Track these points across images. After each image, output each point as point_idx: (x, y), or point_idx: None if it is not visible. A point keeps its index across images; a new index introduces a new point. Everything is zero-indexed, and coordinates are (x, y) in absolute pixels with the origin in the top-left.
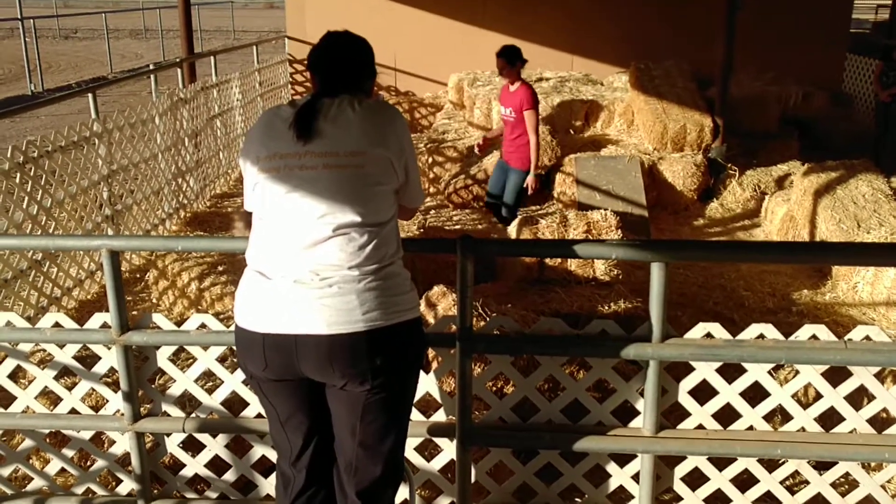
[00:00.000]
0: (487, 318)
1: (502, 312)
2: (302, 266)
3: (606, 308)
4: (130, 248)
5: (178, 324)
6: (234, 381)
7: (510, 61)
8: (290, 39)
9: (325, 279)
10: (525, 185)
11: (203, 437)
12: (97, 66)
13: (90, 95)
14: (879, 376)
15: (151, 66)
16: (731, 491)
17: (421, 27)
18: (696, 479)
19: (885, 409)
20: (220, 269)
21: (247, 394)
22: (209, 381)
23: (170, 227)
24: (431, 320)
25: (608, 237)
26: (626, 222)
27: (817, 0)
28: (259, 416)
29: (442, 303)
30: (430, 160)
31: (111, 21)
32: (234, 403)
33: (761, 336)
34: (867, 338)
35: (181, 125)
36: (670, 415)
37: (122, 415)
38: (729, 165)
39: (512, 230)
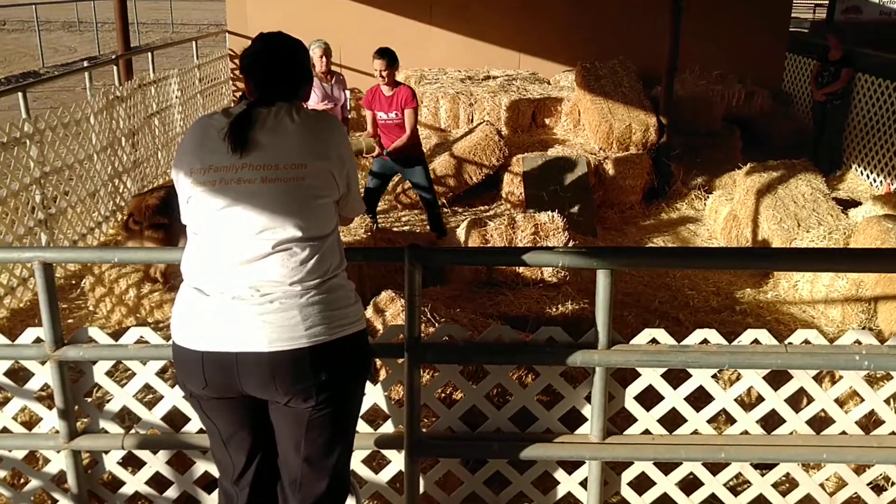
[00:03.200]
0: (436, 324)
1: (452, 317)
2: (241, 282)
3: (554, 310)
4: (64, 259)
5: (116, 336)
6: (174, 396)
7: (392, 63)
8: (230, 34)
9: (266, 295)
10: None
11: (143, 454)
12: (27, 61)
13: (20, 94)
14: (818, 378)
15: (85, 64)
16: (676, 495)
17: (367, 23)
18: (643, 483)
19: (823, 410)
20: None
21: (188, 408)
22: (150, 393)
23: (107, 231)
24: (380, 326)
25: (555, 238)
26: (573, 222)
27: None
28: (201, 430)
29: (390, 308)
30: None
31: (42, 12)
32: (176, 418)
33: (705, 341)
34: (806, 341)
35: (117, 124)
36: (619, 416)
37: (58, 432)
38: (673, 165)
39: (461, 232)
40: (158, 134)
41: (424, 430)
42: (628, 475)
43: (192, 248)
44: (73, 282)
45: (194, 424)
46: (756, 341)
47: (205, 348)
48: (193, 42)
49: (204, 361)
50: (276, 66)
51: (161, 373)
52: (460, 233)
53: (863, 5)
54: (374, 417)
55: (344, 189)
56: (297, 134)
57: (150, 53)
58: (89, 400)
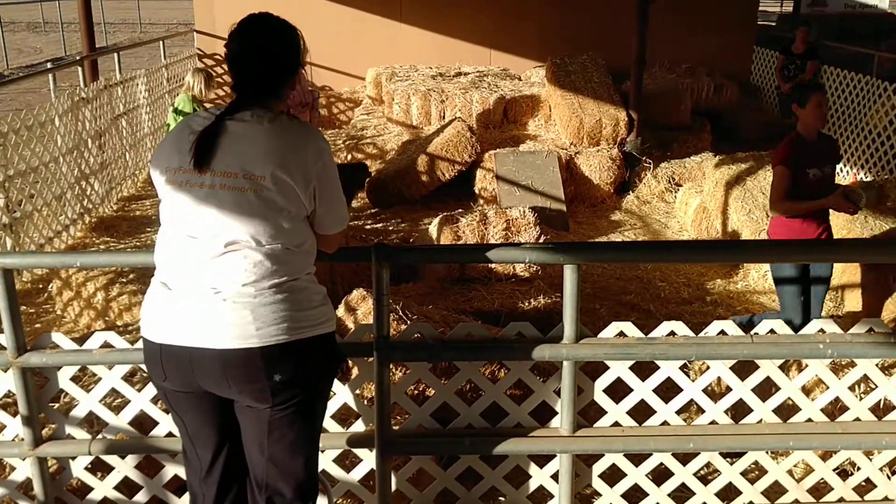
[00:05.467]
0: (408, 321)
1: (424, 314)
2: (200, 280)
3: (527, 304)
4: (24, 265)
5: (81, 341)
6: (142, 400)
7: None
8: (198, 34)
9: (219, 293)
10: None
11: (111, 459)
12: None
13: None
14: (785, 367)
15: (50, 65)
16: (647, 485)
17: (337, 20)
18: (613, 475)
19: (789, 399)
20: (129, 277)
21: (156, 412)
22: (117, 398)
23: (74, 234)
24: (351, 325)
25: (527, 233)
26: (545, 217)
27: None
28: (170, 434)
29: (361, 307)
30: (349, 157)
31: (6, 13)
32: (145, 422)
33: (672, 333)
34: (772, 331)
35: (83, 126)
36: (592, 409)
37: (23, 440)
38: (644, 158)
39: (433, 229)
40: (126, 135)
41: (396, 427)
42: (599, 467)
43: (162, 243)
44: (41, 286)
45: (163, 428)
46: (723, 332)
47: (163, 341)
48: (161, 42)
49: (162, 353)
50: (251, 67)
51: (130, 376)
52: (432, 230)
53: None
54: (347, 416)
55: (312, 205)
56: (264, 144)
57: (116, 54)
58: (56, 406)
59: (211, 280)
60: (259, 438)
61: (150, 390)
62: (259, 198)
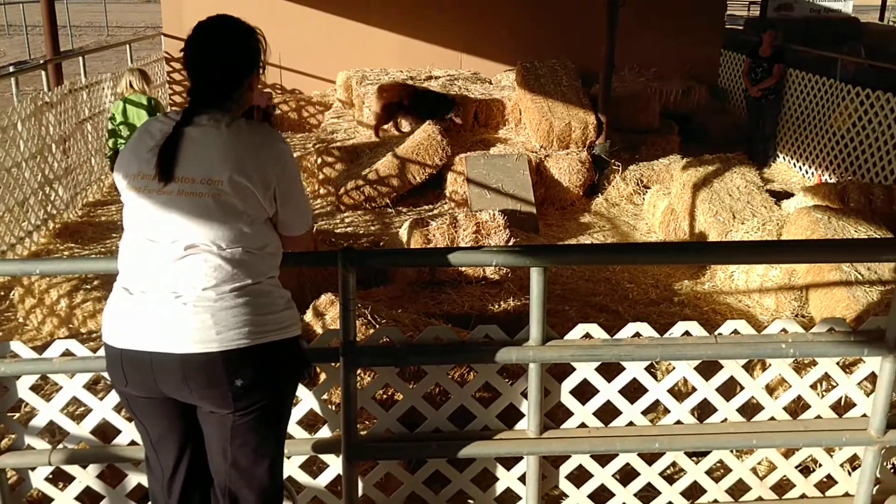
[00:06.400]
0: (377, 325)
1: (393, 318)
2: (159, 285)
3: (497, 307)
4: None
5: (42, 349)
6: (104, 408)
7: None
8: (166, 37)
9: (179, 297)
10: None
11: (72, 469)
12: None
13: None
14: (750, 366)
15: (12, 69)
16: (613, 486)
17: (306, 23)
18: (580, 476)
19: (753, 398)
20: (93, 284)
21: (119, 420)
22: (79, 406)
23: (38, 240)
24: (319, 330)
25: (497, 236)
26: (516, 219)
27: None
28: (133, 442)
29: (330, 312)
30: (320, 161)
31: None
32: (107, 430)
33: (637, 334)
34: (735, 331)
35: (47, 130)
36: (560, 410)
37: None
38: (612, 161)
39: (403, 233)
40: (92, 140)
41: (363, 432)
42: (566, 468)
43: (123, 248)
44: (2, 293)
45: (126, 436)
46: (687, 333)
47: (123, 346)
48: (128, 45)
49: (123, 359)
50: (205, 71)
51: (93, 384)
52: (402, 233)
53: (794, 3)
54: (315, 422)
55: (273, 209)
56: (221, 148)
57: (81, 57)
58: (15, 416)
59: (171, 284)
60: (222, 444)
61: (113, 398)
62: (217, 202)
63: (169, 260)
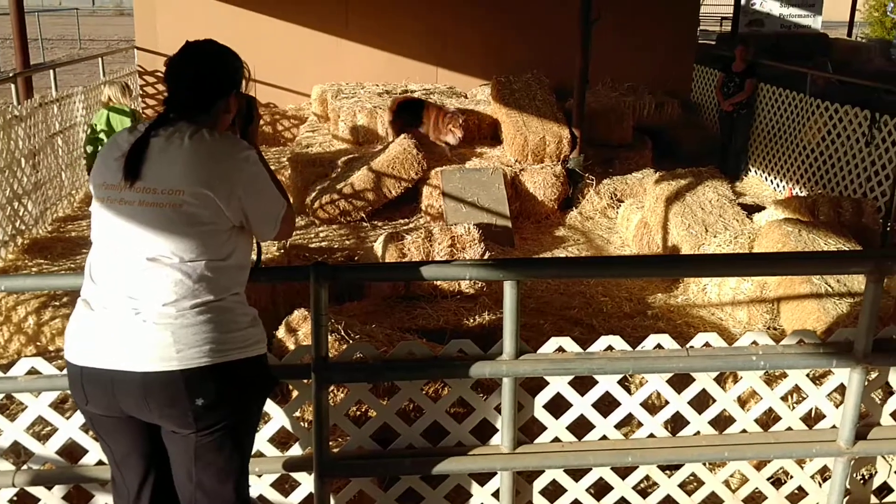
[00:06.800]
0: (350, 341)
1: (367, 333)
2: (120, 300)
3: (472, 321)
4: None
5: (7, 368)
6: (71, 427)
7: None
8: (139, 50)
9: (139, 314)
10: None
11: (37, 491)
12: None
13: None
14: (722, 379)
15: None
16: (587, 500)
17: (281, 37)
18: (554, 491)
19: (725, 410)
20: (62, 300)
21: (86, 439)
22: (46, 426)
23: (5, 256)
24: (292, 346)
25: (472, 250)
26: (491, 233)
27: (667, 13)
28: (100, 462)
29: (303, 327)
30: (294, 175)
31: None
32: (75, 450)
33: (610, 347)
34: (707, 344)
35: (16, 145)
36: (535, 425)
37: None
38: (587, 175)
39: (378, 247)
40: (62, 154)
41: (335, 450)
42: (540, 483)
43: (89, 259)
44: None
45: (93, 456)
46: (659, 346)
47: (83, 364)
48: (100, 58)
49: (83, 377)
50: (184, 78)
51: (61, 403)
52: (377, 247)
53: (765, 19)
54: (287, 440)
55: (240, 218)
56: (183, 158)
57: (52, 71)
58: None
59: (131, 299)
60: (187, 465)
61: (80, 417)
62: (179, 213)
63: (130, 272)
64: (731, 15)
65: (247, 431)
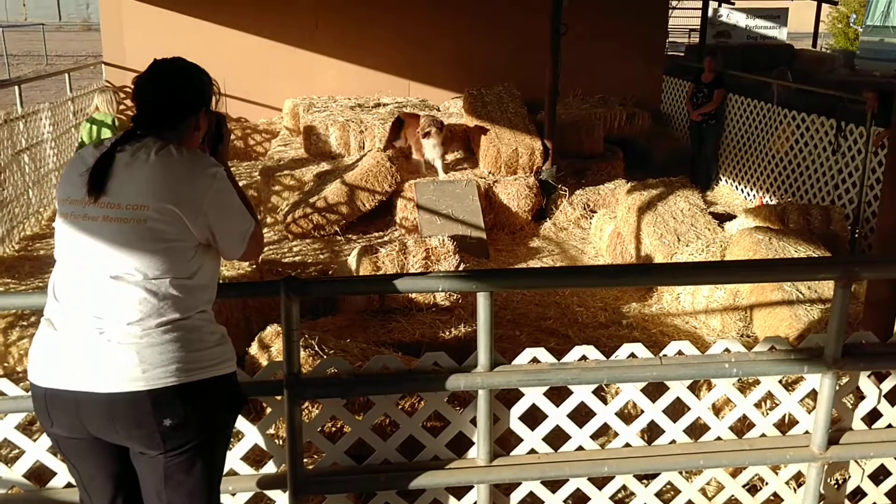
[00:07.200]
0: (324, 357)
1: (342, 348)
2: (83, 319)
3: (447, 333)
4: None
5: None
6: (38, 450)
7: None
8: (107, 66)
9: (104, 333)
10: None
11: None
12: None
13: None
14: (696, 387)
15: None
16: None
17: (252, 51)
18: (532, 503)
19: (699, 418)
20: (30, 320)
21: (54, 462)
22: (12, 449)
23: None
24: (265, 362)
25: (446, 262)
26: (466, 245)
27: (636, 25)
28: (69, 485)
29: (276, 343)
30: (267, 189)
31: None
32: (42, 473)
33: (584, 357)
34: (680, 352)
35: None
36: (513, 436)
37: None
38: (559, 186)
39: (352, 261)
40: (29, 171)
41: (310, 466)
42: (517, 496)
43: (52, 278)
44: None
45: (62, 479)
46: (633, 355)
47: (47, 385)
48: (67, 74)
49: (47, 398)
50: (151, 97)
51: (29, 424)
52: (351, 261)
53: (732, 30)
54: (262, 458)
55: (206, 235)
56: (149, 174)
57: (17, 87)
58: None
59: (96, 318)
60: (156, 486)
61: (47, 439)
62: (144, 229)
63: (94, 290)
64: (699, 27)
65: (217, 451)
